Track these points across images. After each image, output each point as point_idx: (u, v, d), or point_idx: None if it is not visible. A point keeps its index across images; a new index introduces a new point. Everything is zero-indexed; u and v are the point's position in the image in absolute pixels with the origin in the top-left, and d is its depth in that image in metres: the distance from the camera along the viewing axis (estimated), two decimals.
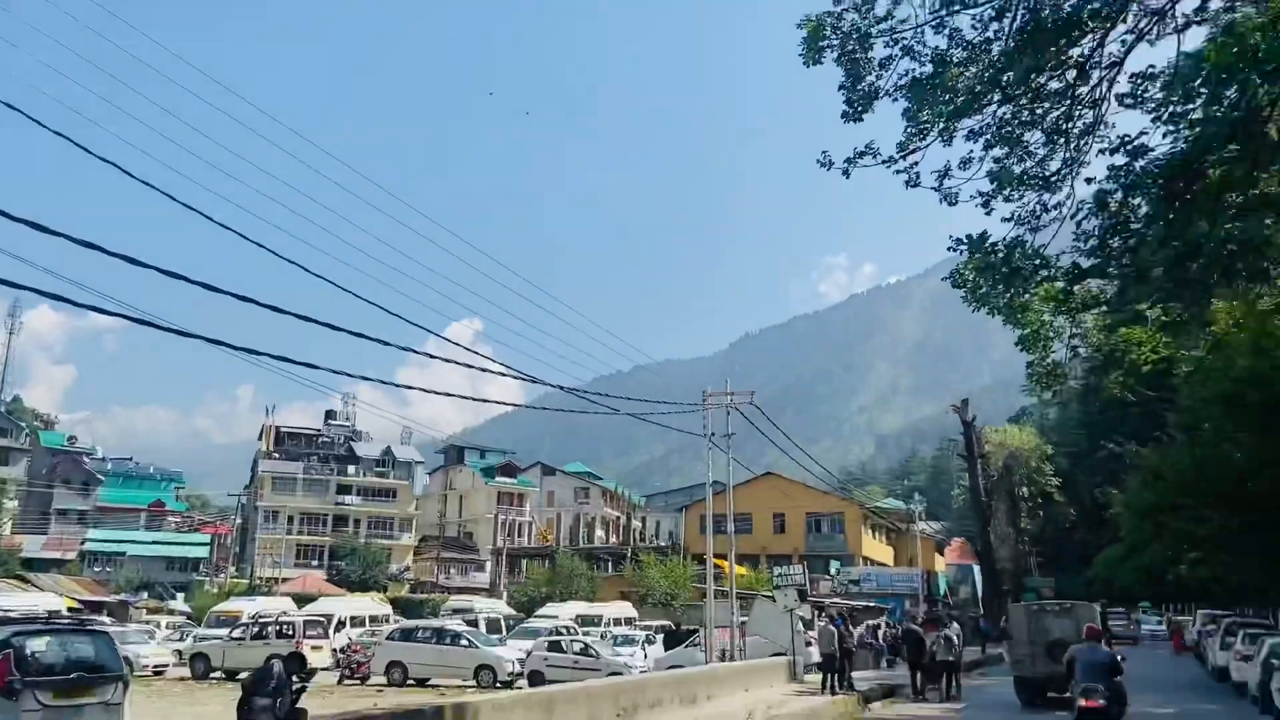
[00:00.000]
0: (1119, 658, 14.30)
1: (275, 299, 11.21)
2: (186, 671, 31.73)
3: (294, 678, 11.43)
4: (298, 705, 11.25)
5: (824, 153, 12.28)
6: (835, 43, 13.04)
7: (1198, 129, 9.65)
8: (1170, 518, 33.03)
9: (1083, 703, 13.20)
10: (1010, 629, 25.67)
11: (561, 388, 24.32)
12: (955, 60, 12.26)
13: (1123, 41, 10.37)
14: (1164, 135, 10.46)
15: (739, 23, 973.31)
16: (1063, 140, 11.00)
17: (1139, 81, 10.62)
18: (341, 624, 37.26)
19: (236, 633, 31.99)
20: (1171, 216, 10.02)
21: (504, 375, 20.89)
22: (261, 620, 32.92)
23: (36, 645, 11.83)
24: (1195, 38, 11.58)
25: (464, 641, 29.01)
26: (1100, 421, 66.37)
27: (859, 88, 13.11)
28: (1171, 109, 10.22)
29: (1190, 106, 10.02)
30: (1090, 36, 10.33)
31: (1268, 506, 26.22)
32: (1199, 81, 9.17)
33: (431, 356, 15.88)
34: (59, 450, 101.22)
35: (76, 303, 9.76)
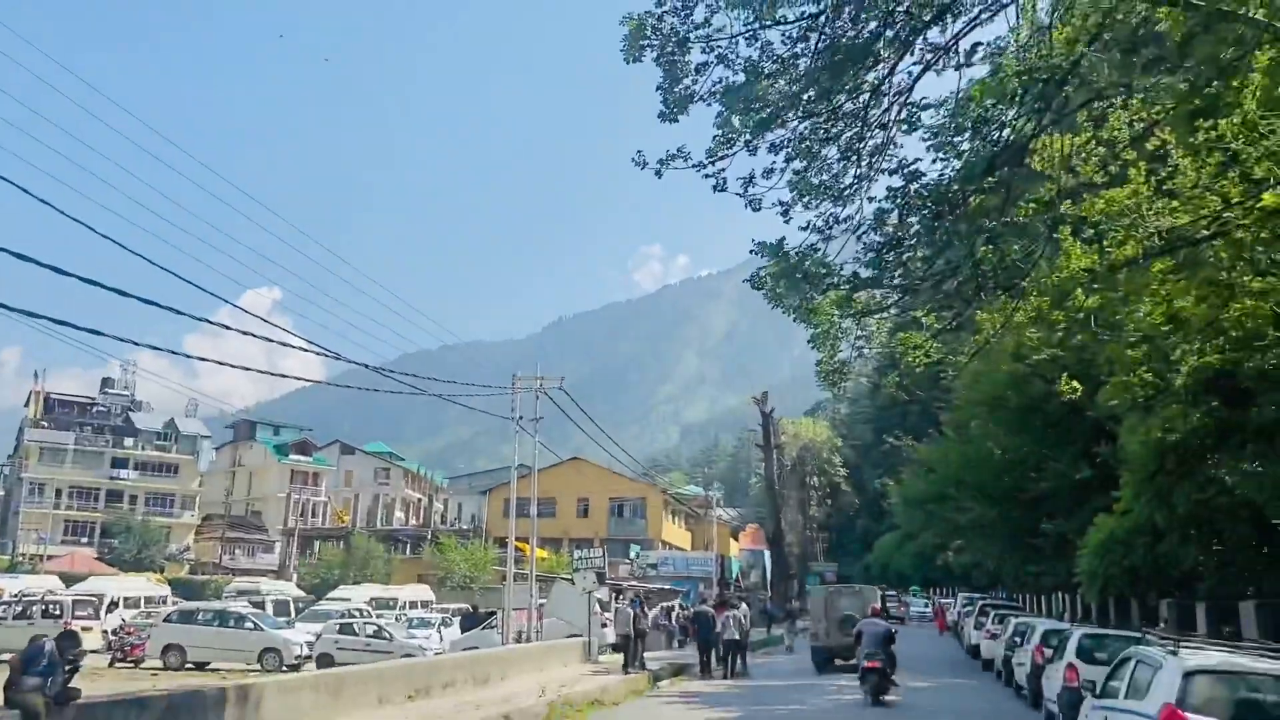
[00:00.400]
0: (894, 630, 18.79)
1: (50, 257, 10.55)
2: None
3: (67, 657, 10.86)
4: (70, 685, 10.69)
5: (639, 152, 12.70)
6: (655, 44, 13.47)
7: (963, 159, 10.75)
8: (939, 507, 36.01)
9: (866, 664, 17.63)
10: (809, 607, 30.37)
11: (366, 365, 23.83)
12: (766, 72, 12.98)
13: (909, 72, 11.36)
14: (933, 161, 11.63)
15: (565, 9, 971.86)
16: (855, 158, 11.93)
17: (913, 110, 11.69)
18: (114, 604, 35.18)
19: None
20: (936, 237, 11.17)
21: (304, 350, 20.26)
22: (26, 599, 30.67)
23: None
24: (977, 72, 12.84)
25: (248, 624, 27.96)
26: (884, 417, 71.22)
27: (676, 90, 13.61)
28: (943, 138, 11.32)
29: (959, 139, 11.14)
30: (883, 64, 11.25)
31: (1016, 499, 29.14)
32: (965, 117, 10.21)
33: (226, 327, 15.27)
34: None
35: None
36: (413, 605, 42.39)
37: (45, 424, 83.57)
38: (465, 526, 71.98)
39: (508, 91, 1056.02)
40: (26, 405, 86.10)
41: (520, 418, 31.21)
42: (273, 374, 21.94)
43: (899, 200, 11.78)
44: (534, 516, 32.51)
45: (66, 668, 10.91)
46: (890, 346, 16.73)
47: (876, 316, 14.44)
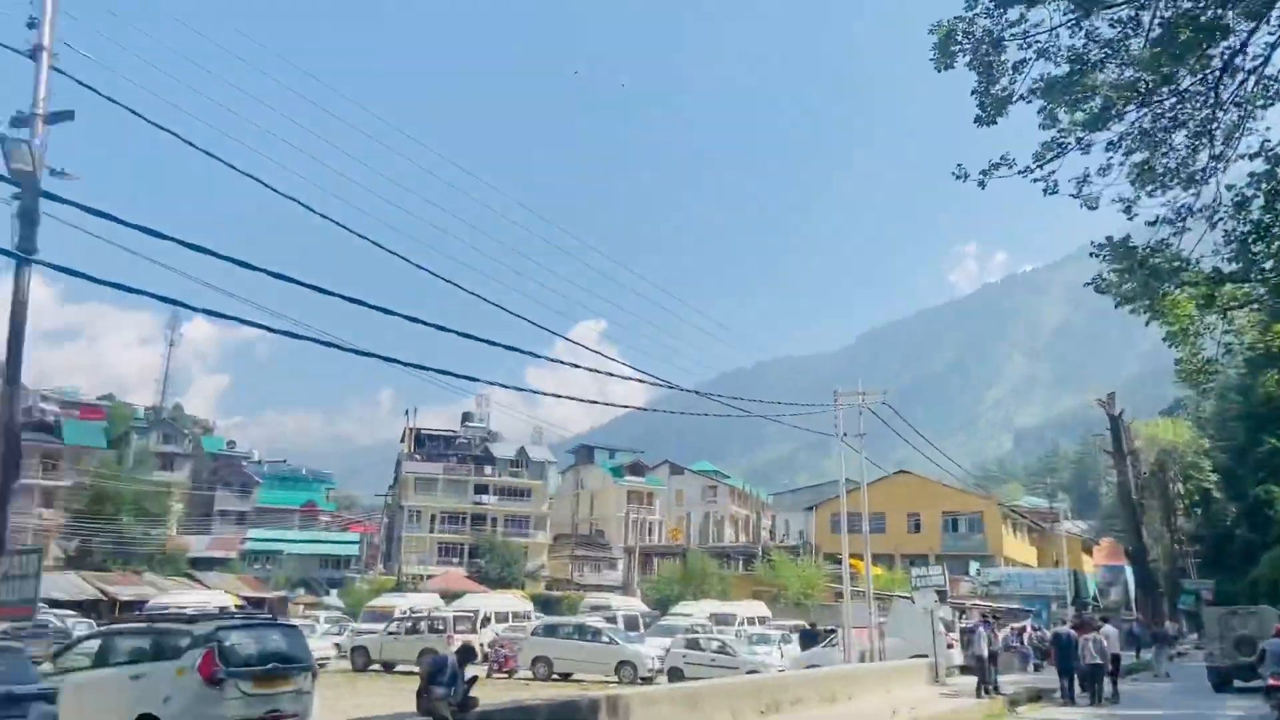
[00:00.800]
0: None
1: (406, 304, 12.21)
2: (347, 664, 33.50)
3: (465, 668, 12.37)
4: (470, 694, 12.16)
5: (959, 165, 12.40)
6: (967, 47, 13.11)
7: None
8: None
9: (1271, 681, 17.66)
10: (1203, 628, 32.46)
11: (697, 392, 24.94)
12: (1092, 60, 12.18)
13: (1266, 42, 10.17)
14: None
15: (864, 13, 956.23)
16: (1207, 139, 10.85)
17: (1271, 84, 10.35)
18: (487, 619, 38.55)
19: (392, 627, 33.66)
20: None
21: (630, 379, 21.49)
22: (414, 615, 34.54)
23: (236, 639, 13.07)
24: None
25: (604, 638, 29.86)
26: (1259, 414, 62.53)
27: (992, 91, 13.16)
28: None
29: None
30: (1233, 37, 10.18)
31: None
32: None
33: (576, 366, 16.70)
34: (219, 455, 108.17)
35: (230, 316, 10.94)
36: (750, 621, 43.17)
37: (418, 457, 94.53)
38: (793, 542, 72.26)
39: (805, 101, 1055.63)
40: (402, 441, 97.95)
41: (844, 434, 31.07)
42: (600, 403, 23.57)
43: (1264, 185, 10.54)
44: (865, 533, 32.12)
45: (466, 678, 12.42)
46: (1267, 340, 14.92)
47: (1247, 309, 12.98)
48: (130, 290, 9.29)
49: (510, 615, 40.78)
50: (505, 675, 30.16)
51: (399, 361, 13.87)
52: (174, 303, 10.66)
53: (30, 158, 11.04)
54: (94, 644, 14.42)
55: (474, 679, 12.55)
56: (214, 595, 50.32)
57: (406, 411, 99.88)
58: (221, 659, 12.50)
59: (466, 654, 12.73)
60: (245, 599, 54.04)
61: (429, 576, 73.06)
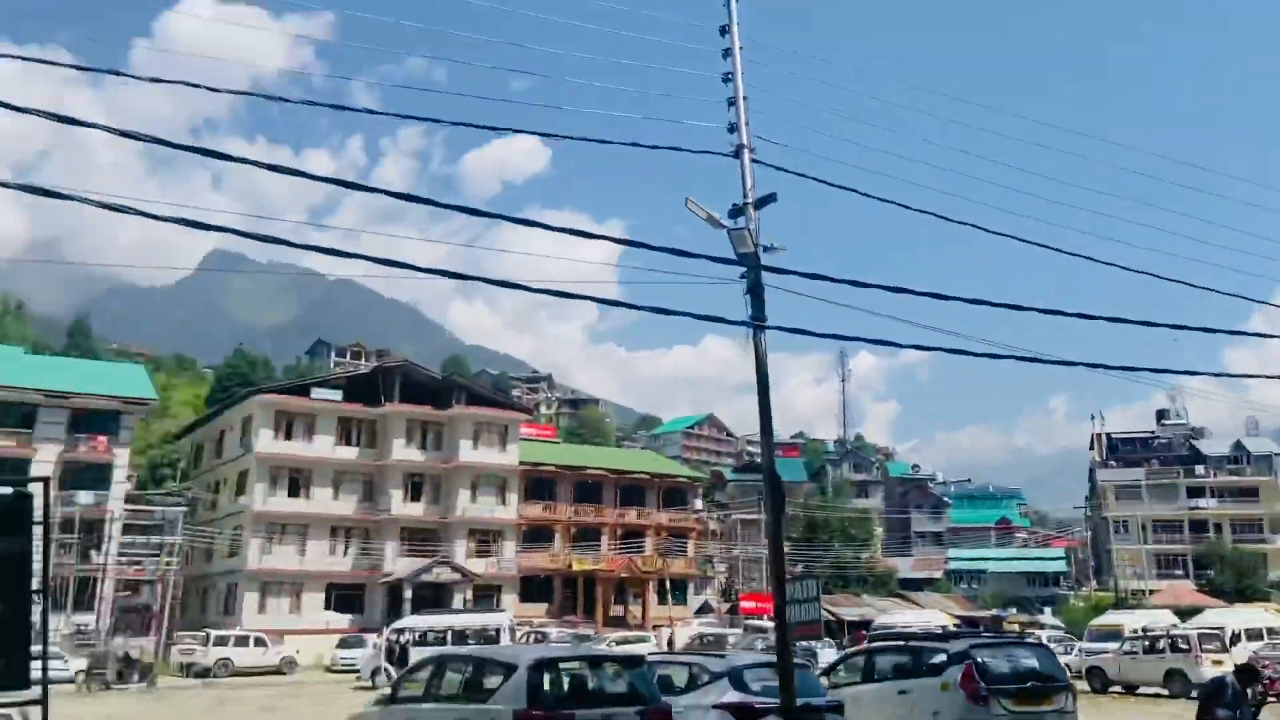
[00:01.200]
0: None
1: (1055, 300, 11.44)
2: (1081, 685, 32.14)
3: (1248, 691, 11.11)
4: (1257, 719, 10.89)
5: None
6: None
7: None
8: None
9: None
10: None
11: None
12: None
13: None
14: None
15: None
16: None
17: None
18: (1236, 637, 34.17)
19: (1127, 646, 31.72)
20: None
21: None
22: (1150, 634, 32.19)
23: (989, 656, 13.38)
24: None
25: None
26: None
27: None
28: None
29: None
30: None
31: None
32: None
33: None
34: (905, 478, 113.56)
35: (889, 343, 11.48)
36: None
37: (1112, 463, 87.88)
38: None
39: None
40: (1091, 448, 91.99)
41: None
42: None
43: None
44: None
45: (1250, 702, 11.13)
46: None
47: None
48: (852, 339, 10.44)
49: (1264, 631, 35.65)
50: (1275, 699, 26.25)
51: (1105, 366, 13.28)
52: (887, 344, 11.69)
53: (749, 240, 12.99)
54: (859, 660, 16.00)
55: (1262, 702, 11.20)
56: (929, 614, 52.39)
57: (1091, 417, 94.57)
58: (982, 676, 12.84)
59: (1249, 675, 11.39)
60: (959, 618, 55.32)
61: (1151, 591, 67.02)
